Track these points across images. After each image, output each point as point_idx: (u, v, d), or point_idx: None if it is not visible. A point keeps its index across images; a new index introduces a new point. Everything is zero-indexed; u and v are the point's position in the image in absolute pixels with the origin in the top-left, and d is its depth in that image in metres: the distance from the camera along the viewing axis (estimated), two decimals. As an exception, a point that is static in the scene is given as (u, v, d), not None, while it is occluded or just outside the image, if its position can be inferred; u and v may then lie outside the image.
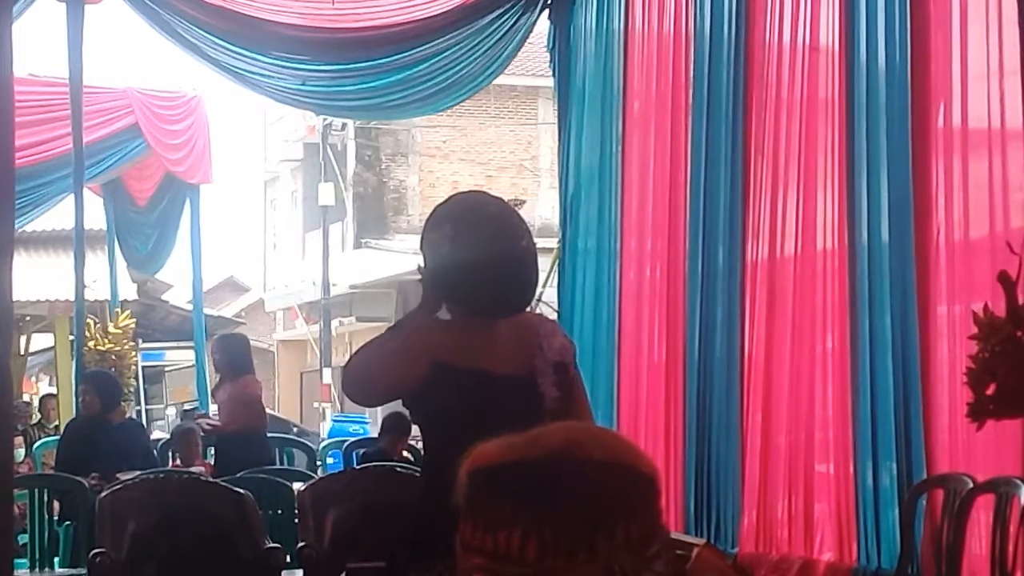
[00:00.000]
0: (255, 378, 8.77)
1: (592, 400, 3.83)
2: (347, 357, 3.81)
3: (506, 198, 3.89)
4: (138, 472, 8.24)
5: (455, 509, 1.43)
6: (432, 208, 3.61)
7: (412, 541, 3.56)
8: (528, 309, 3.65)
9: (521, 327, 3.49)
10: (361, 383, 3.56)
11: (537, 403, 3.39)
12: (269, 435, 13.76)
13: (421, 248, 3.57)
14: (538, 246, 3.60)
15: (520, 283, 3.50)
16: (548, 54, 8.79)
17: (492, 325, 3.46)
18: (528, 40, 8.94)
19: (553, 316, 7.73)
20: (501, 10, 8.57)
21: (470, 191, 3.73)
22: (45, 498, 7.63)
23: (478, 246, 3.40)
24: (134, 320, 12.35)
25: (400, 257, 25.40)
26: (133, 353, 12.37)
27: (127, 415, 9.80)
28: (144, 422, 12.24)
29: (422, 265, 3.52)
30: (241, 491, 6.19)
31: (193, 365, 13.15)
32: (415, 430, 4.71)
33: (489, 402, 3.31)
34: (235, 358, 8.73)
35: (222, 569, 5.89)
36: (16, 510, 6.17)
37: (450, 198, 3.67)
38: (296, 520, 6.51)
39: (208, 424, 8.85)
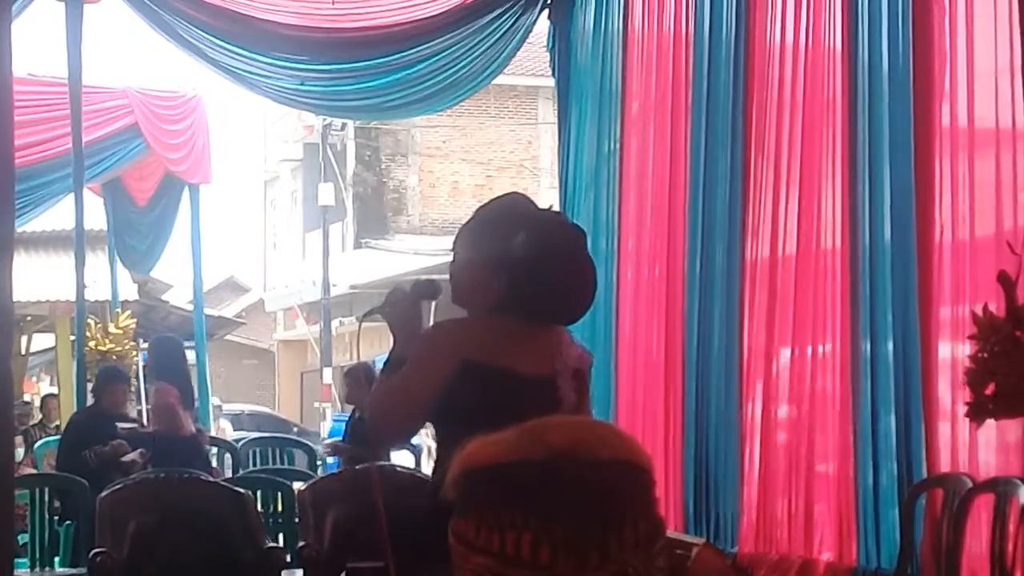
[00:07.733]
0: (166, 385, 8.88)
1: (590, 399, 3.82)
2: (347, 357, 3.78)
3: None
4: (139, 450, 8.32)
5: (451, 504, 1.41)
6: (474, 208, 3.57)
7: (424, 541, 3.54)
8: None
9: (540, 332, 3.50)
10: (394, 406, 3.46)
11: (557, 406, 3.40)
12: (270, 435, 13.74)
13: (471, 246, 3.51)
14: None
15: (586, 293, 3.54)
16: (548, 54, 8.79)
17: (516, 327, 3.45)
18: (528, 40, 8.93)
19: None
20: (501, 10, 8.57)
21: (514, 194, 3.73)
22: (46, 497, 7.64)
23: (560, 257, 3.47)
24: (134, 320, 12.37)
25: (400, 257, 25.40)
26: (134, 353, 12.38)
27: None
28: (145, 422, 12.21)
29: (477, 267, 3.48)
30: (241, 491, 6.20)
31: (194, 365, 13.13)
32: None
33: (513, 402, 3.30)
34: (154, 364, 9.30)
35: (222, 569, 5.89)
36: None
37: (501, 199, 3.65)
38: (296, 520, 6.52)
39: (124, 428, 8.85)
